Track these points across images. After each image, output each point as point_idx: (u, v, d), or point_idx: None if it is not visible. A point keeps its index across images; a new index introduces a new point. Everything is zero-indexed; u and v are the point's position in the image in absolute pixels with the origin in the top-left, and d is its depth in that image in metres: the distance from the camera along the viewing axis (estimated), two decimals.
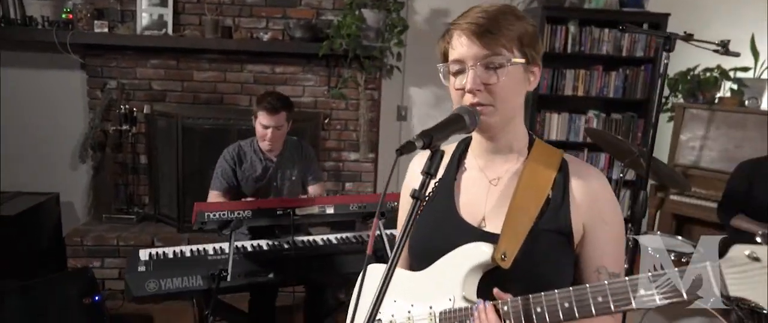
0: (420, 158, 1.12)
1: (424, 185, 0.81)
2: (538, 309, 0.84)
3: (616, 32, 3.61)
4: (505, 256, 0.90)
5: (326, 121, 3.58)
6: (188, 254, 2.09)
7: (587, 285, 0.82)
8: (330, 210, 2.06)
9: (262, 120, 2.37)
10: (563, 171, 0.99)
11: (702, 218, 3.36)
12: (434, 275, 1.01)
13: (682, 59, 3.73)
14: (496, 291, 0.91)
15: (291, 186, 2.54)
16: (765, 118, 3.36)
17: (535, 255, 0.92)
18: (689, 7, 3.74)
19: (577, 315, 0.81)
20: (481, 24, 0.91)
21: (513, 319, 0.86)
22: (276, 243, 2.21)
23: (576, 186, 0.97)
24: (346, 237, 2.30)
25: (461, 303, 0.95)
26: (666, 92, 3.76)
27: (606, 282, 0.80)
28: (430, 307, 1.00)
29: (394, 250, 0.80)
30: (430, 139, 0.82)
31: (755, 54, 3.64)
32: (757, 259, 0.64)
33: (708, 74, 3.61)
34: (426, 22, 3.66)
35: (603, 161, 3.80)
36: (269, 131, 2.37)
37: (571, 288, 0.83)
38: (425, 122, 3.92)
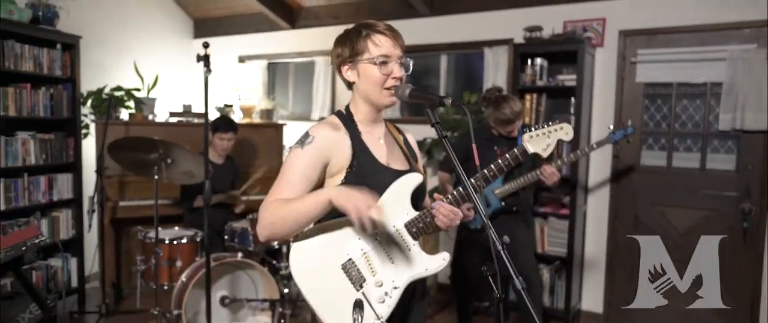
0: (323, 127, 1.50)
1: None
2: (461, 190, 1.55)
3: (34, 47, 3.55)
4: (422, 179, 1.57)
5: None
6: None
7: (492, 165, 1.61)
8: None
9: None
10: (397, 130, 1.70)
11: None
12: (385, 207, 1.47)
13: (89, 80, 4.12)
14: (436, 195, 1.54)
15: None
16: (164, 128, 4.24)
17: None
18: (93, 36, 4.13)
19: (490, 179, 1.60)
20: (397, 31, 1.50)
21: (457, 200, 1.53)
22: None
23: (409, 138, 1.71)
24: None
25: (414, 213, 1.51)
26: (87, 110, 4.03)
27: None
28: (393, 226, 1.49)
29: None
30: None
31: (141, 77, 4.47)
32: (531, 136, 1.69)
33: (117, 94, 4.15)
34: None
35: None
36: None
37: (477, 175, 1.58)
38: None
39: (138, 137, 3.09)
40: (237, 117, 4.98)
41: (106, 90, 4.18)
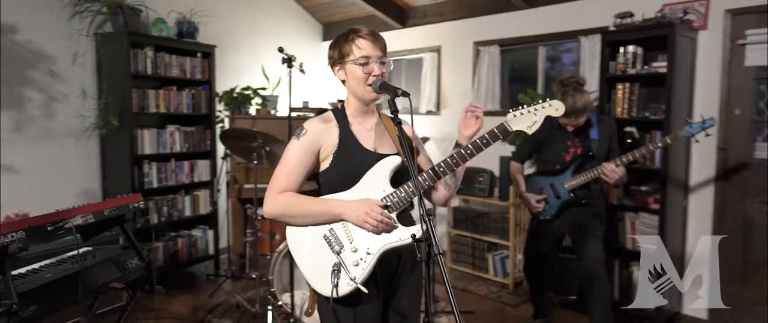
0: (315, 121, 1.79)
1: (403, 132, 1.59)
2: (441, 168, 1.74)
3: (179, 57, 4.33)
4: (405, 161, 1.75)
5: None
6: None
7: (460, 149, 1.76)
8: (91, 219, 2.06)
9: None
10: (393, 120, 1.72)
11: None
12: (365, 184, 1.75)
13: (224, 81, 4.87)
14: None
15: None
16: (283, 121, 4.83)
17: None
18: (227, 43, 4.90)
19: (457, 165, 1.75)
20: (377, 35, 1.73)
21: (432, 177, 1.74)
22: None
23: (406, 130, 1.89)
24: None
25: (390, 189, 1.73)
26: (221, 106, 4.80)
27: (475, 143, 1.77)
28: None
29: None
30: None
31: (267, 78, 5.16)
32: (515, 115, 1.78)
33: (246, 93, 4.86)
34: None
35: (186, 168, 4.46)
36: None
37: (453, 154, 1.75)
38: (7, 152, 3.57)
39: (241, 129, 3.67)
40: None
41: (237, 90, 4.93)
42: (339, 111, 1.85)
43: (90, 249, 2.51)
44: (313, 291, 1.79)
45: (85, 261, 2.30)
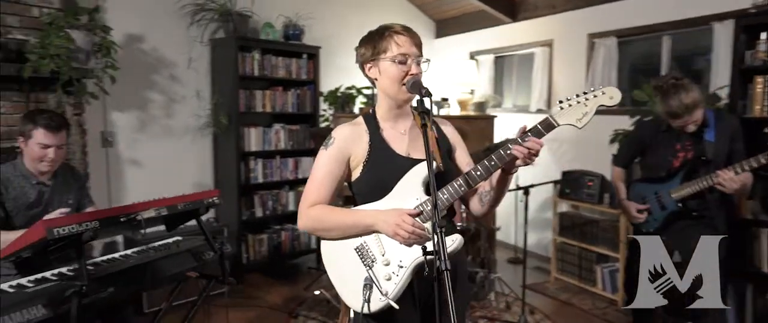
0: (343, 127, 1.73)
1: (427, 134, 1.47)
2: (478, 172, 1.60)
3: (285, 58, 4.54)
4: (441, 166, 1.64)
5: None
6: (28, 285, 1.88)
7: (492, 156, 1.59)
8: (164, 212, 2.20)
9: (40, 139, 2.24)
10: (422, 121, 1.59)
11: None
12: (398, 192, 1.66)
13: (330, 80, 5.00)
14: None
15: (69, 212, 2.41)
16: None
17: (447, 164, 1.69)
18: (334, 44, 5.05)
19: (495, 168, 1.59)
20: (414, 32, 1.62)
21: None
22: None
23: (444, 128, 1.80)
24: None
25: (424, 198, 1.62)
26: (325, 106, 4.93)
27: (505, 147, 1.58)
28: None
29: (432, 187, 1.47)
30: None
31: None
32: (562, 108, 1.55)
33: (349, 92, 4.95)
34: (122, 45, 3.69)
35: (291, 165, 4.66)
36: (50, 150, 2.27)
37: (492, 155, 1.59)
38: (134, 147, 3.96)
39: (328, 128, 3.73)
40: (454, 110, 5.32)
41: (342, 89, 5.04)
42: (369, 115, 1.76)
43: (179, 239, 2.73)
44: (346, 307, 1.73)
45: (168, 249, 2.51)
